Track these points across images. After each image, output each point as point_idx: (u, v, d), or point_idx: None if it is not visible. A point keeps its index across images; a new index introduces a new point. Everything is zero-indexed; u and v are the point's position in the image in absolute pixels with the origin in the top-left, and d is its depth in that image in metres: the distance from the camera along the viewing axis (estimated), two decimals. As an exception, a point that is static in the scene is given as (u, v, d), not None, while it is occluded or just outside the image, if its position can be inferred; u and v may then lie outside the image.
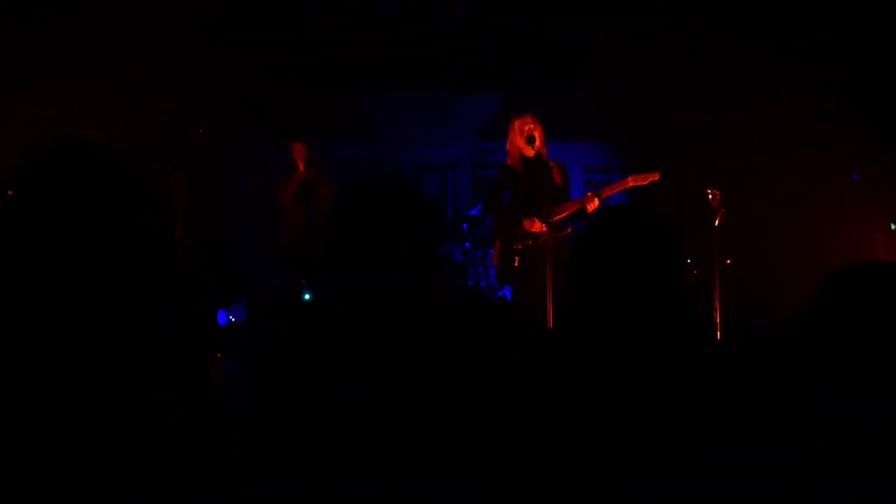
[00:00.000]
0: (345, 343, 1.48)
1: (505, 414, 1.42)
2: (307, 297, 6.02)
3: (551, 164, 4.89)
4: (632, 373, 1.51)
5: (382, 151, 8.33)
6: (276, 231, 6.30)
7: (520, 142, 4.85)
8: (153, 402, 1.19)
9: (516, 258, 4.88)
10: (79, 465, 1.10)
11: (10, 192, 1.09)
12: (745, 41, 6.43)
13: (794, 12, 6.19)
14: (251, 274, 7.57)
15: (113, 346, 1.13)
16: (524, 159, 4.89)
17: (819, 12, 6.13)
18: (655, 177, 4.85)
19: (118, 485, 1.11)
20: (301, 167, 5.97)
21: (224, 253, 7.23)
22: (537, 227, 4.77)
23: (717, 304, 4.72)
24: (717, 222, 4.82)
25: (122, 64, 5.86)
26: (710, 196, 4.83)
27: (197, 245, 5.12)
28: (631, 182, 4.88)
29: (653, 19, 6.83)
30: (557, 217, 4.76)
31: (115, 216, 1.12)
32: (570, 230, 4.89)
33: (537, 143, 4.80)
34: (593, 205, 4.74)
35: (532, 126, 4.84)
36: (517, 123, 4.90)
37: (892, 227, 5.86)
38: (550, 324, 4.25)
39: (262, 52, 7.15)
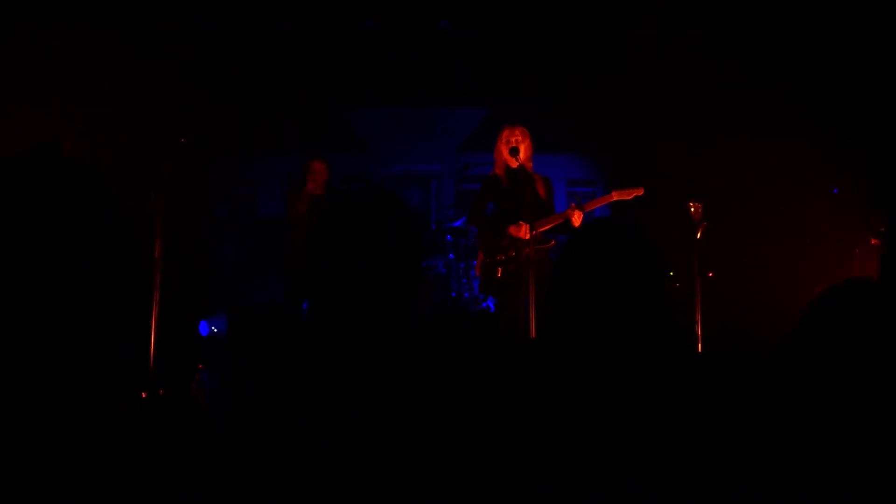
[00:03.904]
0: (327, 355, 1.47)
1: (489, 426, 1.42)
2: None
3: (535, 176, 4.91)
4: (614, 385, 1.51)
5: (366, 164, 8.35)
6: (284, 246, 6.27)
7: (505, 152, 4.87)
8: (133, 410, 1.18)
9: (499, 269, 4.88)
10: (72, 468, 1.09)
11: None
12: (728, 60, 6.50)
13: (777, 34, 6.27)
14: (232, 285, 7.54)
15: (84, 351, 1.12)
16: (508, 170, 4.91)
17: (801, 35, 6.21)
18: (640, 192, 4.86)
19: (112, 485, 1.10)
20: (310, 185, 5.94)
21: (204, 264, 7.20)
22: (524, 231, 4.75)
23: (699, 317, 4.73)
24: (698, 235, 4.85)
25: (100, 78, 5.83)
26: (692, 209, 4.85)
27: (177, 257, 5.08)
28: (615, 197, 4.89)
29: (638, 36, 6.89)
30: (541, 229, 4.76)
31: (80, 222, 1.11)
32: (553, 243, 4.90)
33: (521, 155, 4.81)
34: (577, 218, 4.75)
35: (519, 138, 4.85)
36: (506, 133, 4.91)
37: (872, 241, 5.92)
38: (533, 335, 4.25)
39: (246, 67, 7.15)
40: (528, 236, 4.66)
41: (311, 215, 5.87)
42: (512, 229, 4.84)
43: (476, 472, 1.35)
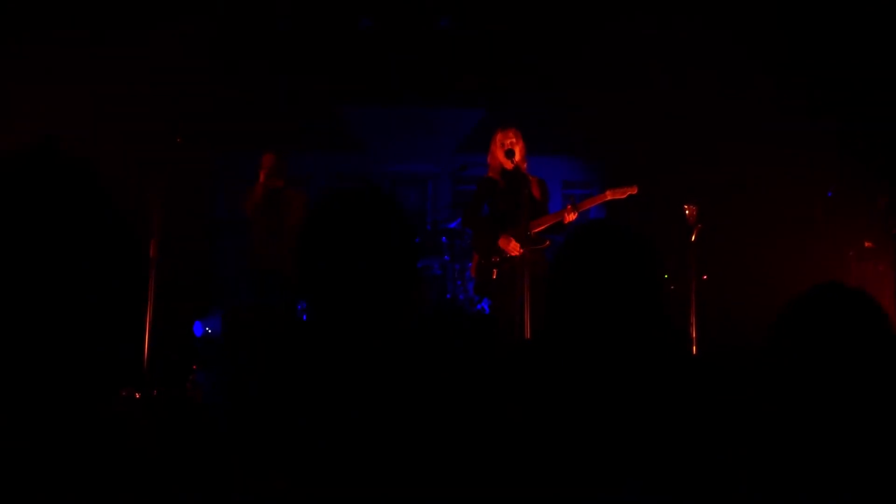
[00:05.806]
0: (320, 356, 1.47)
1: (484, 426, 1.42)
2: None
3: (531, 178, 4.91)
4: (612, 385, 1.51)
5: (362, 164, 8.33)
6: (246, 244, 6.14)
7: (500, 155, 4.88)
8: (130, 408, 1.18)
9: (494, 271, 4.88)
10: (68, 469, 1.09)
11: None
12: (725, 61, 6.51)
13: (775, 35, 6.28)
14: (228, 286, 7.52)
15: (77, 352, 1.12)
16: (504, 172, 4.92)
17: (799, 36, 6.23)
18: (633, 191, 4.88)
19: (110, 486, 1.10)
20: (262, 178, 5.71)
21: (201, 264, 7.18)
22: (512, 246, 4.75)
23: (694, 320, 4.74)
24: (693, 238, 4.85)
25: (99, 75, 5.82)
26: (687, 212, 4.86)
27: (173, 256, 5.06)
28: (609, 196, 4.91)
29: (636, 37, 6.90)
30: (536, 230, 4.77)
31: (79, 220, 1.11)
32: (548, 243, 4.90)
33: (517, 156, 4.82)
34: (571, 218, 4.76)
35: (513, 140, 4.87)
36: (499, 136, 4.93)
37: (866, 244, 5.93)
38: (528, 336, 4.25)
39: (242, 65, 7.14)
40: (517, 252, 4.64)
41: (263, 210, 5.67)
42: (501, 241, 4.82)
43: (475, 472, 1.35)
